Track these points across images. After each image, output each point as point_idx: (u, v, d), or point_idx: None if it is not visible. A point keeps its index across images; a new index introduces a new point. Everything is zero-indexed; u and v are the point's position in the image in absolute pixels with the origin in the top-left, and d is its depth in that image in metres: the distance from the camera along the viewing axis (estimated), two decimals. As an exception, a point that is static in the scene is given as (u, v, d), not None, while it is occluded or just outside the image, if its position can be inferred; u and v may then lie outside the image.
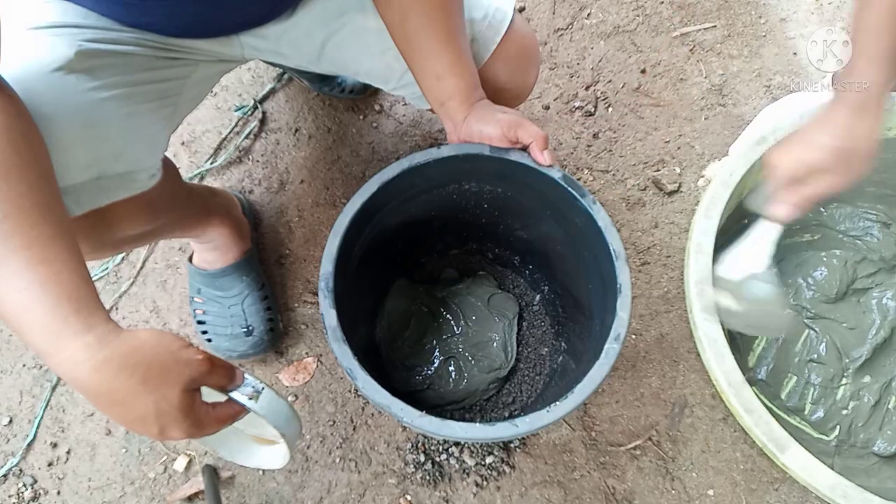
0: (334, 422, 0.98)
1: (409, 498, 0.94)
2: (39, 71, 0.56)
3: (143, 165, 0.65)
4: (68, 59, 0.57)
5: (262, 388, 0.55)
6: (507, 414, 0.96)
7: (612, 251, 0.72)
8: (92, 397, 0.48)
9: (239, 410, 0.54)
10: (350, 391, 1.00)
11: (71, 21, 0.60)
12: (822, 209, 1.05)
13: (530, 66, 0.86)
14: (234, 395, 0.53)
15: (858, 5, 0.57)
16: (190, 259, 1.01)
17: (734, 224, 0.99)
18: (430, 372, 0.95)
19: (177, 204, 0.83)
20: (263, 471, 0.96)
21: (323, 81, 1.16)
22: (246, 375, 0.55)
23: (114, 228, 0.70)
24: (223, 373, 0.52)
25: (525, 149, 0.75)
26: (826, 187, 0.61)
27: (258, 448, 0.67)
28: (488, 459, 0.95)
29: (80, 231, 0.62)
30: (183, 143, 1.16)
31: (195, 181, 1.14)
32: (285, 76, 1.21)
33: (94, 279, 1.08)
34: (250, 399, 0.54)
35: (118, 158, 0.60)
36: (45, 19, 0.59)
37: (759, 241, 0.66)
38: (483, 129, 0.74)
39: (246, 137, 1.17)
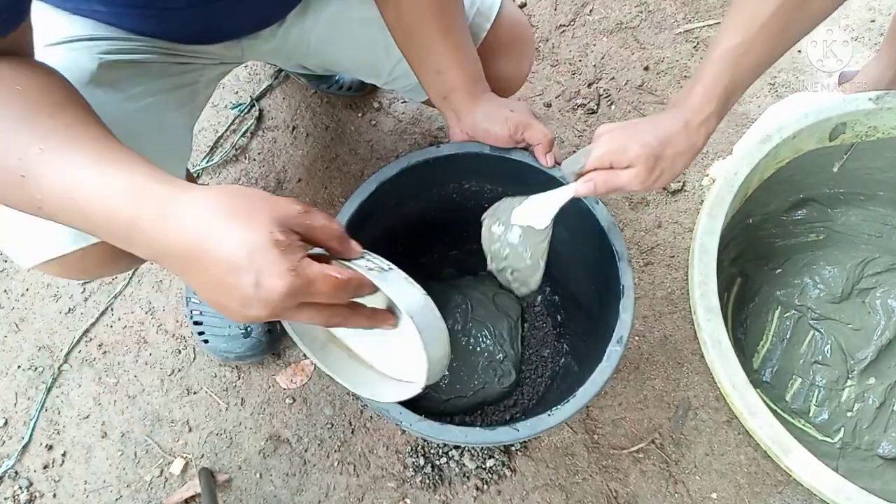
0: (332, 424, 0.97)
1: (408, 502, 0.93)
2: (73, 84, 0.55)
3: (175, 175, 0.63)
4: (93, 72, 0.56)
5: (391, 267, 0.44)
6: (508, 417, 0.95)
7: (615, 252, 0.71)
8: (180, 256, 0.42)
9: (357, 281, 0.42)
10: (348, 394, 0.99)
11: (84, 34, 0.58)
12: (828, 209, 1.04)
13: (524, 54, 0.84)
14: (354, 264, 0.42)
15: (714, 40, 0.63)
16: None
17: (739, 223, 0.98)
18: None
19: None
20: (261, 474, 0.95)
21: (321, 79, 1.15)
22: (367, 252, 0.44)
23: None
24: (324, 222, 0.44)
25: (528, 147, 0.74)
26: (626, 181, 0.64)
27: (383, 380, 0.55)
28: (489, 463, 0.94)
29: (111, 252, 0.61)
30: (180, 142, 1.15)
31: (192, 180, 1.13)
32: (282, 73, 1.19)
33: (86, 282, 1.07)
34: (371, 270, 0.42)
35: None
36: (59, 35, 0.57)
37: (551, 202, 0.68)
38: (490, 127, 0.73)
39: (243, 135, 1.15)
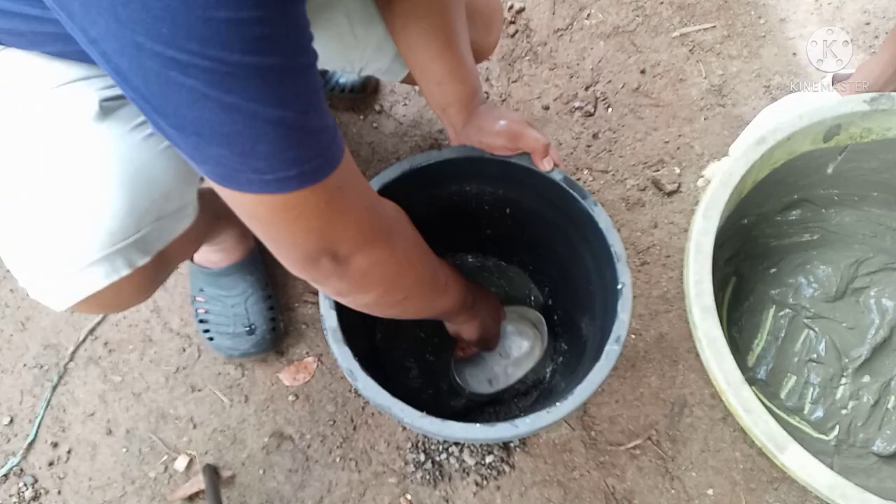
0: (334, 421, 0.99)
1: (409, 497, 0.94)
2: (81, 122, 0.56)
3: (188, 199, 0.65)
4: (96, 108, 0.57)
5: None
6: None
7: (613, 253, 0.72)
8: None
9: None
10: (350, 391, 1.01)
11: (83, 75, 0.59)
12: (822, 209, 1.05)
13: (492, 21, 0.85)
14: None
15: None
16: (191, 258, 1.01)
17: (734, 223, 0.99)
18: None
19: (207, 221, 0.83)
20: (264, 470, 0.96)
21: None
22: None
23: (171, 265, 0.70)
24: None
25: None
26: None
27: None
28: (488, 459, 0.95)
29: (144, 278, 0.63)
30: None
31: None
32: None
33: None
34: None
35: (169, 198, 0.61)
36: (60, 78, 0.59)
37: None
38: (483, 139, 0.75)
39: (246, 137, 1.16)
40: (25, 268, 0.59)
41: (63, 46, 0.57)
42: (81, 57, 0.61)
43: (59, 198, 0.56)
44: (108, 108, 0.58)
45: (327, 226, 0.51)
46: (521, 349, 0.95)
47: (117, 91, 0.60)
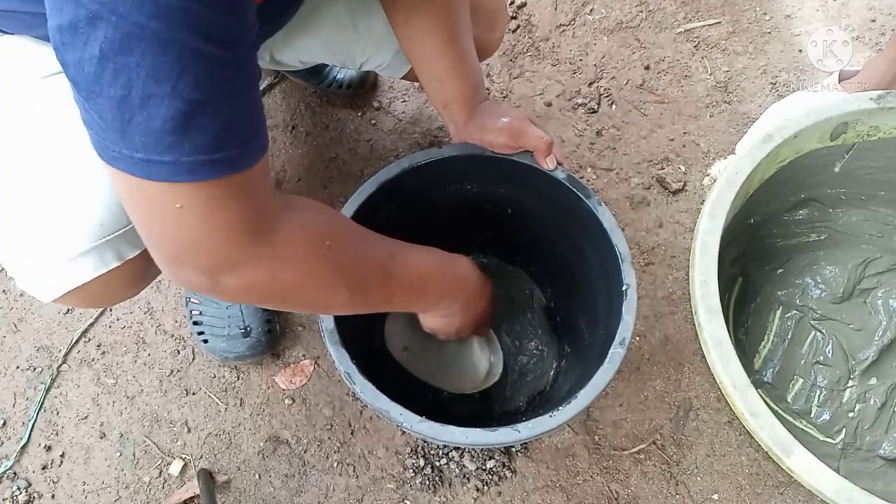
0: (332, 426, 0.97)
1: (408, 503, 0.93)
2: (75, 112, 0.55)
3: None
4: None
5: None
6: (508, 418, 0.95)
7: (617, 253, 0.71)
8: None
9: None
10: (348, 394, 0.99)
11: None
12: (830, 209, 1.04)
13: (496, 18, 0.84)
14: None
15: None
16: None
17: (740, 223, 0.98)
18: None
19: None
20: (260, 475, 0.95)
21: (318, 77, 1.15)
22: None
23: None
24: None
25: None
26: None
27: None
28: (489, 464, 0.94)
29: (134, 272, 0.62)
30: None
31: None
32: (280, 73, 1.19)
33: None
34: None
35: None
36: (51, 67, 0.58)
37: None
38: (485, 136, 0.74)
39: (243, 135, 1.15)
40: (13, 257, 0.58)
41: None
42: None
43: (49, 188, 0.55)
44: None
45: (185, 234, 0.46)
46: (474, 364, 0.88)
47: None
